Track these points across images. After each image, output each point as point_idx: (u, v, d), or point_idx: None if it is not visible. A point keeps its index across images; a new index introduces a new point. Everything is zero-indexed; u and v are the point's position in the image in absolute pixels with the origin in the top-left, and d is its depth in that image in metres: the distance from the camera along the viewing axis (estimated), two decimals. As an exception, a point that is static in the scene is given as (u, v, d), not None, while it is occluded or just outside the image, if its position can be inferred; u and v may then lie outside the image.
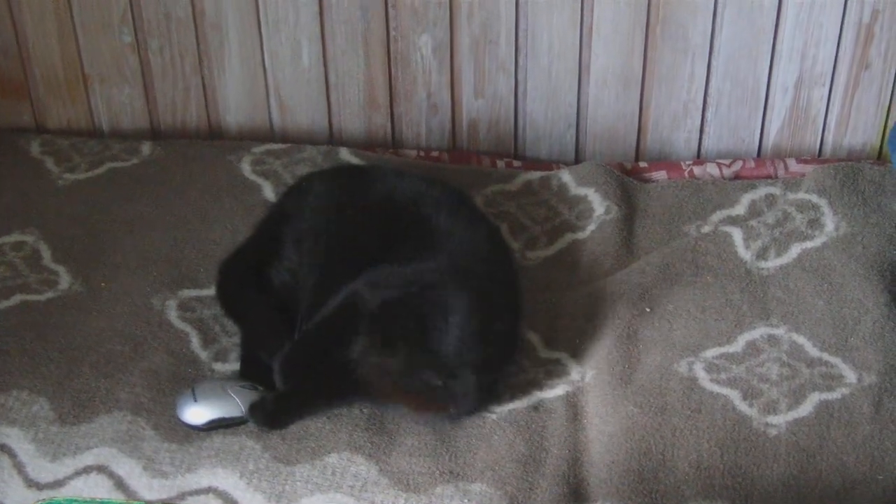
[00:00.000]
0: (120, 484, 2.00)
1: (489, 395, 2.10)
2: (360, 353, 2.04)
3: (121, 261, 2.39)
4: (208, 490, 1.98)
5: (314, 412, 2.09)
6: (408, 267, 2.12)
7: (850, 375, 2.15)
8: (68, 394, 2.11)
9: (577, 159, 2.78)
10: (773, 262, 2.38)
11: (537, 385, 2.16)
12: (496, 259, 2.28)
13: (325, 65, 2.70)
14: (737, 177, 2.65)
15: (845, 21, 2.61)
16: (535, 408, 2.12)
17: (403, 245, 2.19)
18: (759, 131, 2.75)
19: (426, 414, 2.08)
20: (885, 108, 2.72)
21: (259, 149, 2.67)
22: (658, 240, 2.47)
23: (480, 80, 2.71)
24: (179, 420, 2.08)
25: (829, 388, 2.13)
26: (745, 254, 2.40)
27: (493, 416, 2.10)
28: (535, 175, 2.63)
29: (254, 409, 2.06)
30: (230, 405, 2.07)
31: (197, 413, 2.07)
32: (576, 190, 2.58)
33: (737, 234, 2.44)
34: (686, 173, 2.67)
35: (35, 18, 2.68)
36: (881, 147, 2.75)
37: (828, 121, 2.73)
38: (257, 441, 2.04)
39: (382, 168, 2.46)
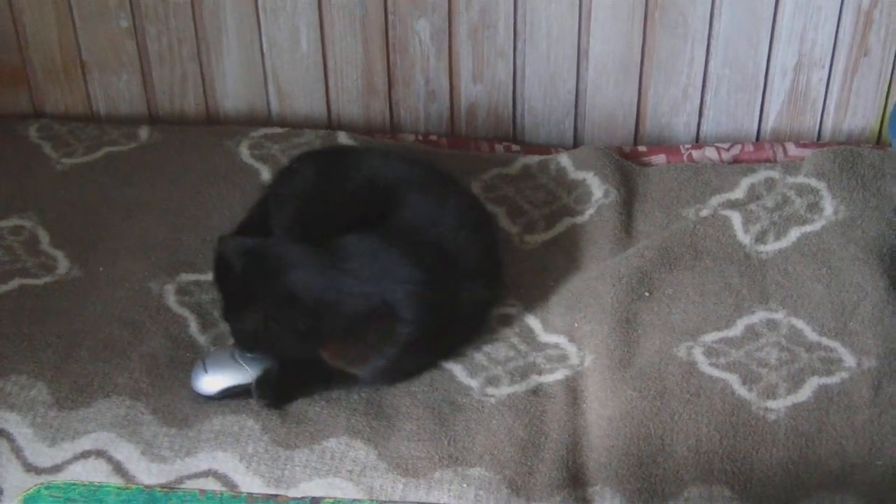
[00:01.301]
0: (118, 468, 2.00)
1: (398, 346, 2.09)
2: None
3: (119, 245, 2.39)
4: (207, 473, 1.98)
5: (317, 389, 2.10)
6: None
7: (850, 360, 2.15)
8: (66, 378, 2.11)
9: (576, 145, 2.77)
10: (772, 246, 2.38)
11: (536, 369, 2.16)
12: (463, 233, 2.27)
13: (323, 50, 2.70)
14: (736, 161, 2.65)
15: (844, 5, 2.61)
16: (534, 392, 2.12)
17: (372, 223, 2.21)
18: (758, 115, 2.75)
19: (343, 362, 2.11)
20: (885, 93, 2.71)
21: (257, 133, 2.67)
22: (657, 224, 2.46)
23: (479, 66, 2.70)
24: (193, 392, 2.09)
25: (829, 373, 2.12)
26: (744, 238, 2.40)
27: (492, 401, 2.09)
28: (534, 159, 2.63)
29: (259, 385, 2.07)
30: (240, 373, 2.09)
31: (209, 382, 2.09)
32: (574, 174, 2.58)
33: (736, 218, 2.43)
34: (685, 157, 2.66)
35: (32, 4, 2.67)
36: (880, 131, 2.74)
37: (827, 105, 2.73)
38: (257, 421, 2.04)
39: (371, 150, 2.47)
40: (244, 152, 2.62)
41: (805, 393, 2.09)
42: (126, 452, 2.01)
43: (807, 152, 2.63)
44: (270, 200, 2.33)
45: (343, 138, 2.64)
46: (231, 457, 1.99)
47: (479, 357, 2.18)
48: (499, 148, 2.71)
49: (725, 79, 2.70)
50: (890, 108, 2.71)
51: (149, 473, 1.99)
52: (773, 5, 2.61)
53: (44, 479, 1.98)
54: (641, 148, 2.71)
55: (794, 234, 2.40)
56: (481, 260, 2.27)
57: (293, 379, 2.10)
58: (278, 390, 2.09)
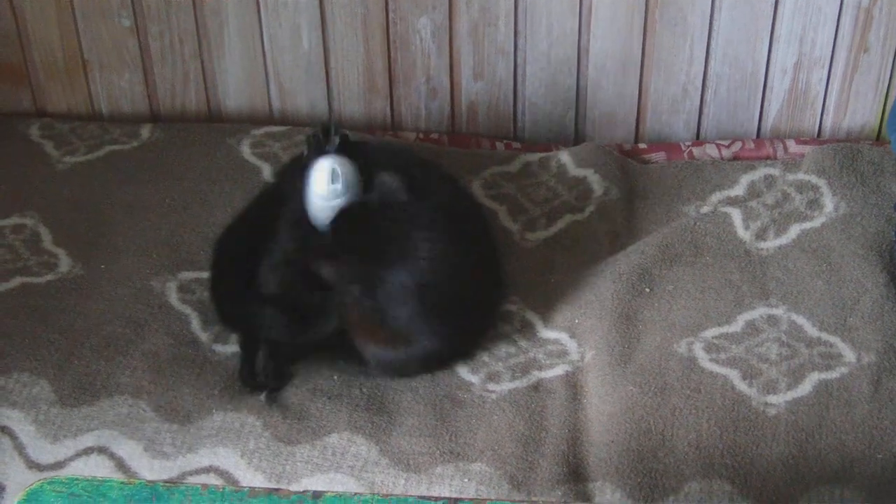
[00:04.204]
0: (121, 465, 2.01)
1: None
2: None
3: (121, 243, 2.39)
4: (209, 469, 1.99)
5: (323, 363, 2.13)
6: None
7: (849, 355, 2.15)
8: (69, 376, 2.12)
9: (577, 142, 2.77)
10: (772, 243, 2.38)
11: (537, 365, 2.17)
12: (461, 233, 2.25)
13: (324, 48, 2.70)
14: (736, 158, 2.65)
15: (844, 4, 2.61)
16: (535, 388, 2.12)
17: None
18: (757, 114, 2.75)
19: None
20: (884, 92, 2.72)
21: (258, 131, 2.67)
22: (657, 220, 2.47)
23: (479, 64, 2.71)
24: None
25: (829, 368, 2.13)
26: (744, 234, 2.40)
27: (493, 396, 2.10)
28: (535, 156, 2.63)
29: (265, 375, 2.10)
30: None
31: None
32: (575, 171, 2.58)
33: (736, 215, 2.44)
34: (685, 154, 2.66)
35: (34, 3, 2.68)
36: (880, 129, 2.75)
37: (826, 103, 2.73)
38: (258, 417, 2.05)
39: (377, 146, 2.47)
40: (246, 150, 2.62)
41: (805, 388, 2.09)
42: (128, 449, 2.02)
43: (807, 149, 2.63)
44: (276, 195, 2.32)
45: (344, 137, 2.65)
46: (232, 453, 2.00)
47: (480, 353, 2.19)
48: (499, 145, 2.71)
49: (725, 77, 2.71)
50: (890, 106, 2.71)
51: (151, 470, 2.00)
52: (773, 3, 2.61)
53: (46, 475, 1.98)
54: (642, 145, 2.71)
55: (795, 230, 2.41)
56: (485, 262, 2.27)
57: (285, 356, 2.14)
58: (280, 369, 2.11)
